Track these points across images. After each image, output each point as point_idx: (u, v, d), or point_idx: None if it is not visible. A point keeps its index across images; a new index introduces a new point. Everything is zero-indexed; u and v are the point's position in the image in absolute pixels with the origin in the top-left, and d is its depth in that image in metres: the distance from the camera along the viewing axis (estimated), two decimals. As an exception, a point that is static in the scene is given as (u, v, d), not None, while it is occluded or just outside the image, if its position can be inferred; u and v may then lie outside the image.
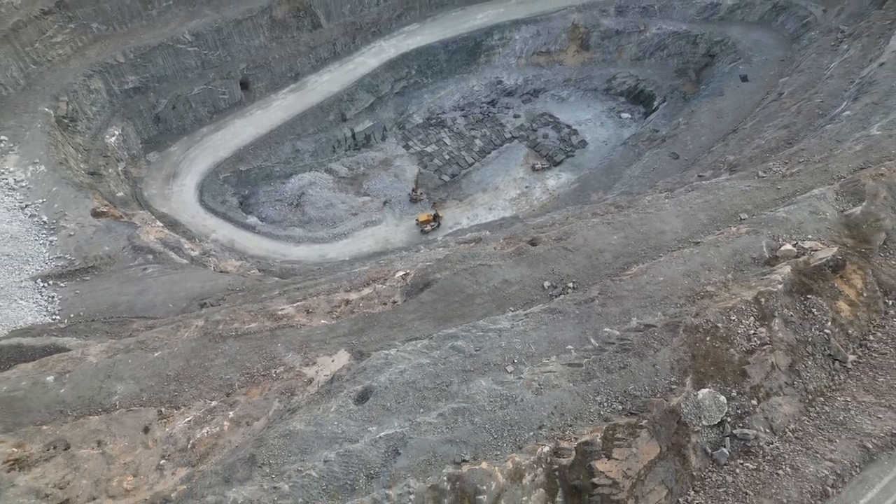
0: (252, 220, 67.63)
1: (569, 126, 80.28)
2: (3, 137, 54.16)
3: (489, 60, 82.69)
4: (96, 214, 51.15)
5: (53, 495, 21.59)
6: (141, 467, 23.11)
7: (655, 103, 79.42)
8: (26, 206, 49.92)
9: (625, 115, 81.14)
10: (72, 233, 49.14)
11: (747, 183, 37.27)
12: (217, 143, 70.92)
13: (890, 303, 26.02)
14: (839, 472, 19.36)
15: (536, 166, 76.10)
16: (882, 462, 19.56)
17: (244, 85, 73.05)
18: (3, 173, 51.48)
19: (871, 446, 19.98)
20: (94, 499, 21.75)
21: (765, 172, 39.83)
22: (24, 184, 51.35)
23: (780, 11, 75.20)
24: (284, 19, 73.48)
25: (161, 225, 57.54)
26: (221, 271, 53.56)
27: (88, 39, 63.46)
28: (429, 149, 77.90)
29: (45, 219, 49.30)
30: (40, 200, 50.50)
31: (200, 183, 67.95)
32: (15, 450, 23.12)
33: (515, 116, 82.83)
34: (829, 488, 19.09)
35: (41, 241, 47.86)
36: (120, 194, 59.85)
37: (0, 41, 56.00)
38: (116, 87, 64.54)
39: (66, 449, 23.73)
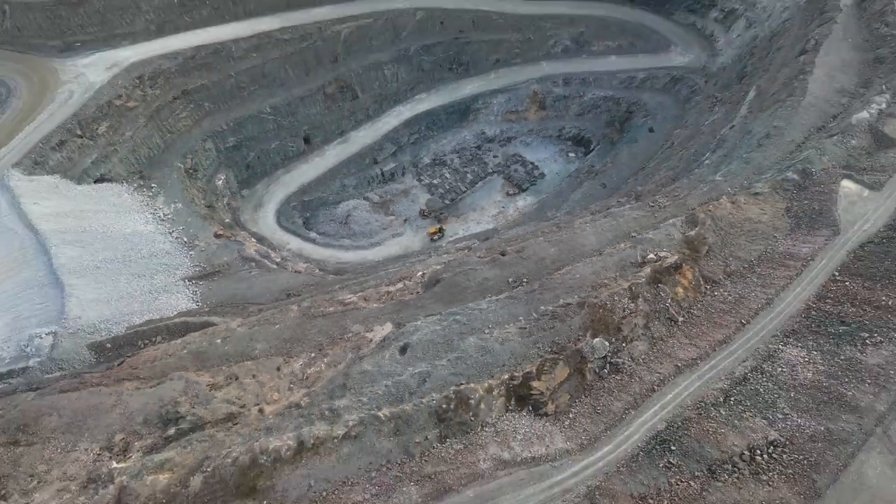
0: (313, 234, 74.75)
1: (532, 163, 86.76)
2: (153, 185, 61.95)
3: (476, 118, 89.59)
4: (217, 236, 58.94)
5: (237, 402, 29.66)
6: (280, 388, 31.14)
7: (592, 146, 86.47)
8: (172, 231, 57.62)
9: (571, 155, 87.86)
10: (203, 249, 56.78)
11: (638, 212, 44.85)
12: (288, 182, 78.35)
13: (707, 287, 33.87)
14: (661, 379, 27.39)
15: (510, 192, 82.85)
16: (686, 373, 27.55)
17: (306, 140, 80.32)
18: (156, 210, 59.30)
19: (679, 365, 27.99)
20: (258, 405, 29.80)
21: (653, 203, 47.11)
22: (169, 216, 59.13)
23: (677, 81, 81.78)
24: (333, 93, 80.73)
25: (255, 241, 65.37)
26: (296, 271, 61.01)
27: (202, 114, 70.82)
28: (435, 181, 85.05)
29: (185, 240, 56.88)
30: (181, 227, 58.13)
31: (277, 210, 75.48)
32: (210, 379, 31.15)
33: (494, 157, 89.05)
34: (655, 387, 27.13)
35: (184, 255, 55.38)
36: (227, 220, 67.58)
37: (148, 119, 63.76)
38: (221, 146, 72.03)
39: (236, 379, 31.75)
